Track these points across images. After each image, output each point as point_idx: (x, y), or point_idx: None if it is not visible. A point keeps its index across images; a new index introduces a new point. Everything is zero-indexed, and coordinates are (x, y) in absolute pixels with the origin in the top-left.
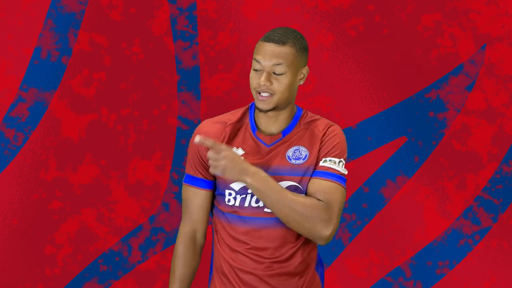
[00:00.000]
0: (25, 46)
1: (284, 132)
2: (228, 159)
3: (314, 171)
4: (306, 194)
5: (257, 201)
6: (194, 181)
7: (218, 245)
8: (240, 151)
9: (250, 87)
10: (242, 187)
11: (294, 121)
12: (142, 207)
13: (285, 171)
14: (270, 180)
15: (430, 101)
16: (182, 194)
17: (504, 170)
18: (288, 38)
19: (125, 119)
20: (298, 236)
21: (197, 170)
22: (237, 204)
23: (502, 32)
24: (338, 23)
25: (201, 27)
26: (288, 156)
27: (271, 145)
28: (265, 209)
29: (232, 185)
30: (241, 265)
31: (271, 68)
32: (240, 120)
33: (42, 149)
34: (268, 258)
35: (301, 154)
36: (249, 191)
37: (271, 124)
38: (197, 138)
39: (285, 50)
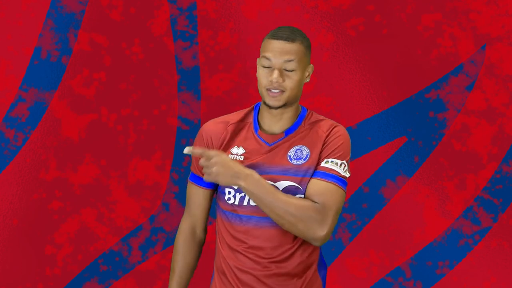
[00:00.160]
0: (25, 46)
1: (287, 131)
2: (219, 165)
3: (315, 171)
4: (304, 194)
5: None
6: (196, 179)
7: (219, 244)
8: (241, 150)
9: (259, 85)
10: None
11: (299, 121)
12: (142, 207)
13: (285, 171)
14: (264, 182)
15: (430, 101)
16: (186, 190)
17: (504, 170)
18: (296, 36)
19: (125, 119)
20: (296, 236)
21: (198, 169)
22: (236, 202)
23: (502, 32)
24: (338, 23)
25: (201, 27)
26: (289, 156)
27: (273, 144)
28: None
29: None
30: (239, 265)
31: (282, 65)
32: (243, 119)
33: (42, 149)
34: (265, 258)
35: (302, 154)
36: None
37: (275, 123)
38: (186, 149)
39: (295, 47)
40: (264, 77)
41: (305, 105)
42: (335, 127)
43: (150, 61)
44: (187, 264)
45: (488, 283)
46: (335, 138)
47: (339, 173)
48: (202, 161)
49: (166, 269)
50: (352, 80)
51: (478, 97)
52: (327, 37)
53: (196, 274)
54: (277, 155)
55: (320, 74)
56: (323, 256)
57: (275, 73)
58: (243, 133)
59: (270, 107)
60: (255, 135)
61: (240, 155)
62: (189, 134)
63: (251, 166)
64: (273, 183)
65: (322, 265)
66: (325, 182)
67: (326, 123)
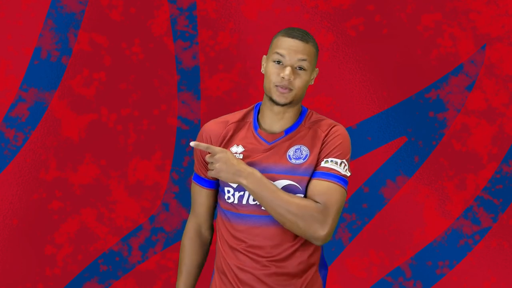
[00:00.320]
0: (25, 46)
1: (287, 130)
2: (222, 161)
3: (315, 171)
4: (305, 194)
5: (254, 199)
6: (199, 180)
7: (219, 244)
8: (240, 148)
9: (267, 81)
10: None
11: (299, 120)
12: (142, 207)
13: (284, 169)
14: (265, 181)
15: (430, 101)
16: (191, 191)
17: (504, 170)
18: (309, 38)
19: (125, 119)
20: (296, 235)
21: (200, 170)
22: (235, 201)
23: (502, 32)
24: (338, 23)
25: (201, 27)
26: (289, 155)
27: (272, 142)
28: (263, 207)
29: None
30: (239, 264)
31: (295, 63)
32: (243, 119)
33: (42, 149)
34: (265, 257)
35: (301, 154)
36: None
37: (276, 122)
38: (192, 143)
39: (308, 48)
40: (274, 73)
41: (305, 105)
42: (334, 126)
43: (150, 61)
44: (193, 264)
45: (488, 283)
46: (334, 138)
47: (340, 172)
48: (207, 157)
49: (166, 269)
50: (352, 80)
51: (478, 97)
52: (327, 37)
53: None
54: (277, 154)
55: (320, 74)
56: (325, 257)
57: (287, 70)
58: (243, 132)
59: (276, 103)
60: (255, 133)
61: (239, 154)
62: (189, 134)
63: (250, 165)
64: (272, 181)
65: (323, 265)
66: (326, 182)
67: (325, 123)
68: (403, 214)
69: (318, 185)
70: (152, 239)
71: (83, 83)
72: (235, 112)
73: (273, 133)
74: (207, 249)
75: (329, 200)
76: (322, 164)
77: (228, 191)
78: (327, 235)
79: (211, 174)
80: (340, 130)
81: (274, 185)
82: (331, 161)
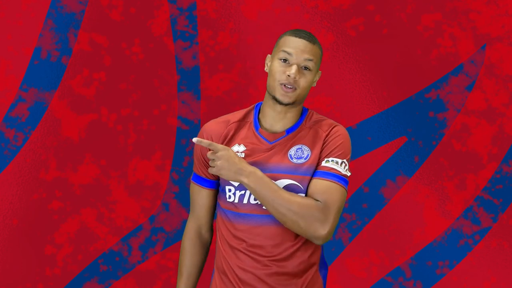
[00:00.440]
0: (25, 46)
1: (288, 130)
2: (224, 159)
3: (316, 171)
4: (306, 193)
5: (255, 198)
6: (199, 180)
7: (219, 243)
8: (241, 147)
9: (271, 79)
10: (241, 183)
11: (300, 120)
12: (142, 207)
13: (285, 169)
14: (267, 180)
15: (430, 101)
16: (189, 191)
17: (504, 170)
18: (316, 40)
19: (125, 119)
20: (297, 235)
21: (200, 169)
22: (236, 200)
23: (502, 32)
24: (338, 23)
25: (201, 27)
26: (290, 155)
27: (273, 142)
28: (264, 206)
29: (232, 181)
30: (240, 264)
31: (302, 62)
32: (244, 118)
33: (42, 149)
34: (266, 257)
35: (303, 153)
36: None
37: (277, 121)
38: (195, 139)
39: (315, 49)
40: (280, 72)
41: (305, 105)
42: (334, 126)
43: (150, 61)
44: (194, 265)
45: (488, 283)
46: (335, 138)
47: (340, 171)
48: (209, 154)
49: (166, 269)
50: (352, 80)
51: (478, 97)
52: (327, 37)
53: None
54: (278, 153)
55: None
56: (324, 256)
57: (294, 68)
58: (243, 131)
59: (279, 102)
60: (256, 133)
61: (241, 153)
62: (189, 134)
63: (252, 164)
64: (274, 181)
65: (323, 265)
66: (327, 181)
67: (326, 123)
68: (403, 214)
69: (319, 184)
70: (152, 239)
71: (83, 83)
72: (235, 112)
73: (274, 133)
74: (207, 250)
75: (329, 199)
76: (323, 163)
77: (229, 190)
78: (328, 234)
79: (212, 171)
80: (341, 131)
81: (275, 184)
82: (332, 160)
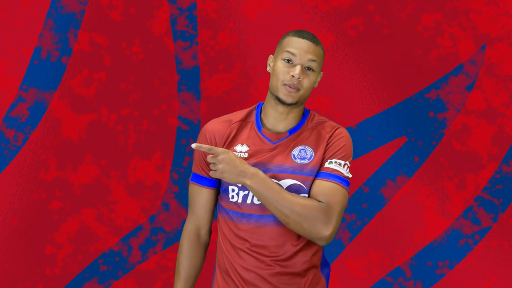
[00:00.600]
0: (25, 46)
1: (291, 131)
2: (225, 162)
3: (319, 172)
4: (309, 194)
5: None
6: (199, 180)
7: (222, 243)
8: (244, 147)
9: (275, 79)
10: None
11: (302, 121)
12: (142, 207)
13: (289, 169)
14: (270, 181)
15: (430, 101)
16: (188, 192)
17: (504, 170)
18: (318, 41)
19: (125, 119)
20: (300, 235)
21: (202, 169)
22: (239, 200)
23: (502, 32)
24: (338, 23)
25: (201, 27)
26: (294, 155)
27: (277, 142)
28: (267, 208)
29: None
30: (243, 263)
31: (305, 63)
32: (246, 118)
33: (42, 149)
34: (269, 256)
35: (306, 154)
36: None
37: (279, 122)
38: (193, 145)
39: (318, 50)
40: (284, 72)
41: (305, 105)
42: (337, 128)
43: (150, 61)
44: (192, 267)
45: (488, 283)
46: (338, 140)
47: (342, 173)
48: (209, 158)
49: (166, 269)
50: (352, 80)
51: (478, 97)
52: (327, 37)
53: None
54: (281, 153)
55: None
56: (325, 256)
57: (298, 69)
58: (246, 131)
59: (282, 102)
60: (259, 133)
61: (244, 153)
62: (189, 134)
63: (255, 164)
64: (277, 181)
65: (326, 264)
66: (329, 182)
67: (329, 125)
68: (403, 214)
69: (322, 185)
70: (152, 239)
71: (83, 83)
72: (237, 112)
73: (277, 133)
74: (205, 252)
75: (332, 200)
76: (326, 164)
77: (233, 190)
78: (331, 235)
79: (214, 175)
80: (344, 133)
81: (278, 185)
82: (335, 162)
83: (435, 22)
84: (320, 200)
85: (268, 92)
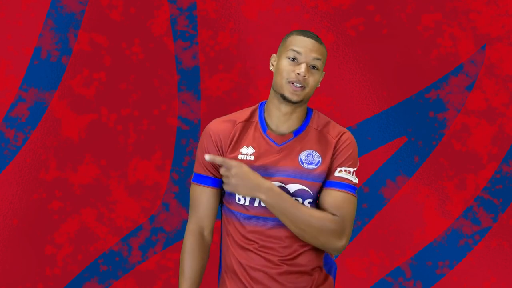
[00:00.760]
0: (25, 46)
1: (296, 132)
2: (239, 176)
3: (329, 181)
4: (319, 203)
5: None
6: (203, 180)
7: (229, 244)
8: (250, 150)
9: (279, 77)
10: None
11: (306, 121)
12: (142, 207)
13: (296, 174)
14: (285, 196)
15: (430, 101)
16: (190, 193)
17: (504, 170)
18: (321, 40)
19: (125, 119)
20: None
21: (207, 168)
22: (246, 203)
23: (502, 32)
24: (338, 23)
25: (201, 27)
26: (301, 159)
27: (282, 145)
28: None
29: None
30: (251, 263)
31: (310, 61)
32: (249, 119)
33: (42, 149)
34: (277, 256)
35: (313, 159)
36: None
37: (283, 122)
38: (206, 156)
39: (322, 49)
40: (289, 70)
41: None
42: (343, 133)
43: (150, 61)
44: (197, 267)
45: (488, 283)
46: (345, 146)
47: (352, 181)
48: (222, 171)
49: (166, 269)
50: (352, 80)
51: (478, 97)
52: (327, 37)
53: None
54: (288, 157)
55: None
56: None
57: (303, 67)
58: (250, 133)
59: (288, 100)
60: (264, 135)
61: (250, 155)
62: (189, 134)
63: (261, 167)
64: (284, 185)
65: (332, 263)
66: (341, 193)
67: (334, 128)
68: (403, 214)
69: (334, 197)
70: (152, 239)
71: (83, 83)
72: (239, 111)
73: (281, 135)
74: (209, 252)
75: (345, 212)
76: (336, 173)
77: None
78: (345, 245)
79: (226, 188)
80: (350, 138)
81: (293, 199)
82: (345, 170)
83: (435, 22)
84: (334, 213)
85: (271, 91)
